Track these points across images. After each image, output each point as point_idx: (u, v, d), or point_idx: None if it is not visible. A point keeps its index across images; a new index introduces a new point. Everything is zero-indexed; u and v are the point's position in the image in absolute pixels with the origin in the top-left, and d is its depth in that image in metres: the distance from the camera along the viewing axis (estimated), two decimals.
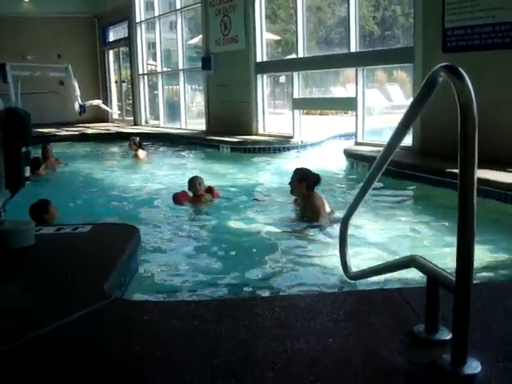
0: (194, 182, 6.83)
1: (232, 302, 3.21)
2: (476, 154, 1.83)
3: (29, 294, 2.95)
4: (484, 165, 5.63)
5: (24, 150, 3.70)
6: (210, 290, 4.09)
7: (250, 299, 3.39)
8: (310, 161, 10.51)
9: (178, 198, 6.86)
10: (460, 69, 1.85)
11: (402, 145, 2.60)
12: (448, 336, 2.19)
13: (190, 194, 6.87)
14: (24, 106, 10.60)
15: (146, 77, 19.04)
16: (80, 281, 3.11)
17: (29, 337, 2.40)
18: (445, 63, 1.93)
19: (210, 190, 7.05)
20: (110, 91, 21.40)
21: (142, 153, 11.20)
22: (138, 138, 11.41)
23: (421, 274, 2.34)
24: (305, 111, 13.22)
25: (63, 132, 16.44)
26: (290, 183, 5.89)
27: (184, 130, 16.17)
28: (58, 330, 2.48)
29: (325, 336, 2.34)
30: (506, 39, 7.36)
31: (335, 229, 5.32)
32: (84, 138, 15.89)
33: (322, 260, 4.62)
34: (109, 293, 2.92)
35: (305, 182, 5.74)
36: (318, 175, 5.84)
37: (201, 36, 15.33)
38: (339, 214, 5.72)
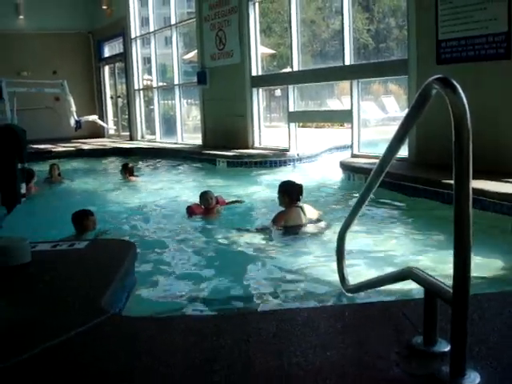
0: (205, 197, 7.00)
1: (230, 316, 3.20)
2: (471, 165, 1.83)
3: (25, 310, 2.94)
4: (480, 175, 5.66)
5: (20, 166, 3.70)
6: (207, 304, 4.08)
7: (247, 313, 3.38)
8: (307, 174, 10.53)
9: (192, 211, 6.98)
10: (453, 81, 1.86)
11: (397, 156, 2.60)
12: (446, 348, 2.18)
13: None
14: (19, 122, 10.66)
15: (141, 92, 19.10)
16: (77, 297, 3.10)
17: (25, 354, 2.39)
18: (438, 75, 1.94)
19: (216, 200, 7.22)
20: (106, 107, 21.43)
21: (133, 179, 10.91)
22: (130, 165, 11.14)
23: (418, 286, 2.34)
24: (300, 124, 13.26)
25: (59, 148, 16.41)
26: (278, 197, 6.25)
27: (180, 144, 16.19)
28: (55, 346, 2.47)
29: (323, 349, 2.33)
30: (499, 50, 7.41)
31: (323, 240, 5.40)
32: (80, 153, 15.85)
33: (320, 273, 4.61)
34: (106, 309, 2.91)
35: (286, 194, 6.12)
36: (298, 186, 6.17)
37: (196, 51, 15.39)
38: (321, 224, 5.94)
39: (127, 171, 10.67)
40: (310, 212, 6.10)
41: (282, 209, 6.15)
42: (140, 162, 13.78)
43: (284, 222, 5.97)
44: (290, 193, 6.09)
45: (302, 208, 6.03)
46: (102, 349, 2.49)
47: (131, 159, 13.64)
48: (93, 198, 9.00)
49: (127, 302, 3.55)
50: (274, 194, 8.47)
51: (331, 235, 5.39)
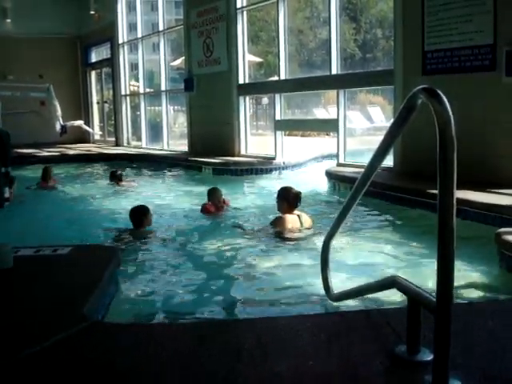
0: (216, 194, 7.33)
1: (213, 324, 3.18)
2: (455, 175, 1.84)
3: (5, 317, 2.90)
4: (465, 185, 5.69)
5: (3, 170, 3.67)
6: (191, 311, 4.05)
7: (231, 321, 3.37)
8: (292, 182, 10.53)
9: (206, 209, 7.23)
10: (438, 91, 1.87)
11: (382, 166, 2.61)
12: (429, 357, 2.18)
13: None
14: (4, 126, 10.58)
15: (128, 98, 19.04)
16: (58, 303, 3.07)
17: (3, 361, 2.36)
18: (423, 85, 1.95)
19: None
20: (92, 112, 21.34)
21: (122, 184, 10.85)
22: (118, 172, 11.08)
23: (402, 295, 2.34)
24: (287, 132, 13.28)
25: (44, 153, 16.30)
26: (276, 201, 6.32)
27: (166, 151, 16.15)
28: (34, 354, 2.44)
29: (306, 358, 2.32)
30: (484, 62, 7.47)
31: (313, 248, 5.40)
32: (65, 158, 15.73)
33: (304, 281, 4.60)
34: (88, 315, 2.88)
35: (285, 199, 6.17)
36: (296, 193, 6.19)
37: (183, 57, 15.39)
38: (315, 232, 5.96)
39: (116, 178, 10.62)
40: (306, 221, 6.15)
41: (280, 214, 6.21)
42: (126, 168, 13.71)
43: (280, 228, 6.01)
44: (288, 199, 6.14)
45: (299, 216, 6.09)
46: (82, 356, 2.46)
47: (116, 165, 13.60)
48: (79, 204, 8.95)
49: (110, 309, 3.52)
50: (259, 201, 8.54)
51: (319, 243, 5.39)
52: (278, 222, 6.09)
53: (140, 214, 6.22)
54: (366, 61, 11.88)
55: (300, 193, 6.24)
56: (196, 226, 6.82)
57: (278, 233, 5.98)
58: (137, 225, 6.20)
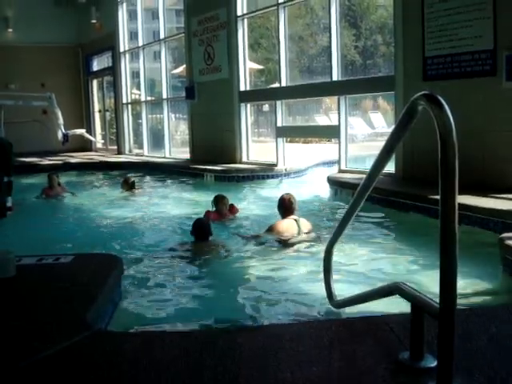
0: (224, 201, 7.34)
1: (216, 331, 3.18)
2: (456, 181, 1.84)
3: (8, 326, 2.90)
4: (466, 190, 5.70)
5: (6, 179, 3.68)
6: (193, 320, 4.05)
7: (233, 329, 3.36)
8: (294, 189, 10.54)
9: (211, 216, 7.10)
10: (439, 97, 1.88)
11: (384, 171, 2.61)
12: (433, 363, 2.17)
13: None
14: (6, 136, 10.59)
15: (129, 106, 19.07)
16: (61, 312, 3.06)
17: (5, 370, 2.35)
18: (424, 92, 1.95)
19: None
20: (94, 120, 21.37)
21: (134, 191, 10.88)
22: (131, 179, 11.10)
23: (405, 301, 2.34)
24: (288, 139, 13.29)
25: (46, 161, 16.32)
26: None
27: (168, 158, 16.16)
28: (37, 363, 2.44)
29: (309, 365, 2.32)
30: (485, 67, 7.48)
31: (314, 254, 5.41)
32: (68, 167, 15.75)
33: (307, 288, 4.60)
34: (91, 324, 2.88)
35: (280, 207, 6.35)
36: (288, 198, 6.31)
37: (184, 65, 15.43)
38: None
39: (128, 186, 10.62)
40: (304, 225, 6.18)
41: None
42: (127, 175, 13.72)
43: (276, 233, 6.08)
44: (282, 205, 6.29)
45: (296, 221, 6.13)
46: (86, 365, 2.46)
47: (119, 173, 13.61)
48: (88, 212, 8.94)
49: (113, 317, 3.52)
50: (261, 208, 8.55)
51: (321, 250, 5.38)
52: (272, 227, 6.19)
53: (208, 228, 5.95)
54: (367, 67, 11.90)
55: (290, 199, 6.33)
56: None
57: (275, 238, 6.01)
58: (202, 238, 5.90)
